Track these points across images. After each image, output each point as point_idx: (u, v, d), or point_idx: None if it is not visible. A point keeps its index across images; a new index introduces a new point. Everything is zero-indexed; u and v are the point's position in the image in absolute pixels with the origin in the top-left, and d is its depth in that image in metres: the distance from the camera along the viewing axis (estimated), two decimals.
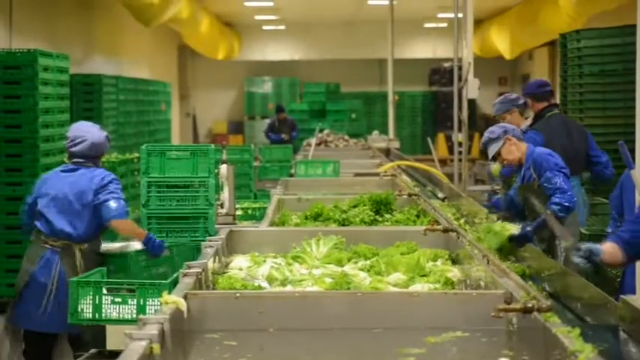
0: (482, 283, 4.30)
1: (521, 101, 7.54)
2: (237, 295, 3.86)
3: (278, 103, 20.26)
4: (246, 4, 18.53)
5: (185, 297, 3.69)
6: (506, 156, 6.09)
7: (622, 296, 3.66)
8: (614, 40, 8.64)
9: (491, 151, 6.10)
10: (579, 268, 4.19)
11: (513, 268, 4.80)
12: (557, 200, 5.72)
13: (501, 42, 19.78)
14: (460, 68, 10.08)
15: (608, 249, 4.21)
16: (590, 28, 9.41)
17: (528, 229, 5.55)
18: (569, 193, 5.76)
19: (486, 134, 6.17)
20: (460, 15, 10.33)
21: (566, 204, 5.70)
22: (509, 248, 5.39)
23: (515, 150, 6.07)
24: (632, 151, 5.04)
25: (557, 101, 8.18)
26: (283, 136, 17.82)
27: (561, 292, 4.58)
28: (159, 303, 3.64)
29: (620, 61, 8.50)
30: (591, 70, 8.80)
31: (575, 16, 14.33)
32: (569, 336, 3.17)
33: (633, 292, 5.13)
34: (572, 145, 7.17)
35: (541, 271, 4.95)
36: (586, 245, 4.18)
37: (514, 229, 5.50)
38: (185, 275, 4.09)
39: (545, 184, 5.84)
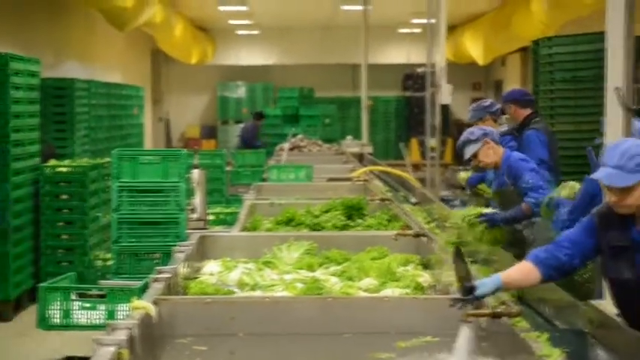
0: (452, 288, 4.31)
1: (495, 108, 7.56)
2: (208, 300, 3.86)
3: (261, 110, 20.21)
4: (221, 8, 18.50)
5: (155, 302, 3.68)
6: (483, 158, 6.10)
7: (590, 301, 3.69)
8: (586, 47, 8.71)
9: (469, 151, 6.09)
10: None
11: (482, 270, 4.83)
12: (534, 195, 5.76)
13: (474, 48, 19.88)
14: (433, 74, 10.12)
15: (514, 275, 3.65)
16: (561, 34, 9.47)
17: (497, 212, 5.66)
18: (545, 191, 5.79)
19: (465, 134, 6.17)
20: (433, 21, 10.37)
21: (542, 200, 5.73)
22: (475, 224, 5.47)
23: (493, 154, 6.08)
24: None
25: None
26: (258, 143, 17.73)
27: (530, 295, 4.60)
28: (129, 308, 3.62)
29: (591, 67, 8.56)
30: (563, 76, 8.86)
31: (548, 22, 14.41)
32: (537, 340, 3.20)
33: None
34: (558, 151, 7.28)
35: None
36: (479, 288, 3.50)
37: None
38: (155, 280, 4.07)
39: (522, 185, 5.86)
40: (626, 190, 3.44)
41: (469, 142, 6.11)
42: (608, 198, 3.53)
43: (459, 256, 3.50)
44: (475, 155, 6.10)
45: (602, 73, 4.33)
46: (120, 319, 4.12)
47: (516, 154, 6.18)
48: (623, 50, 4.06)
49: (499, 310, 3.44)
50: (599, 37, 4.52)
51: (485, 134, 6.09)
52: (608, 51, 4.23)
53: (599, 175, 3.51)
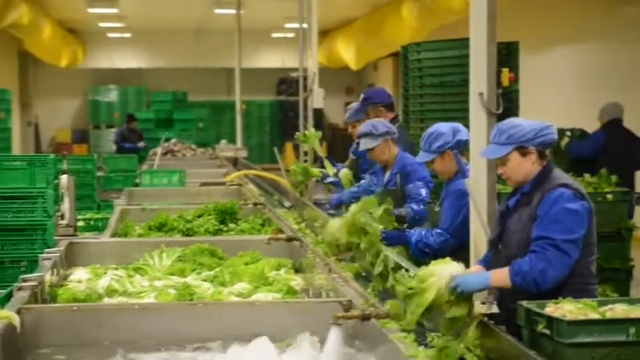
0: (323, 292, 4.35)
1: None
2: (74, 308, 3.77)
3: (130, 112, 19.89)
4: (90, 10, 18.11)
5: (19, 311, 3.58)
6: (379, 156, 6.06)
7: None
8: (453, 52, 8.87)
9: (366, 144, 6.01)
10: None
11: (348, 268, 4.90)
12: (415, 207, 5.70)
13: (347, 53, 20.11)
14: (306, 78, 10.17)
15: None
16: (429, 40, 9.65)
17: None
18: (423, 206, 5.77)
19: (369, 127, 6.09)
20: (305, 25, 10.43)
21: (418, 216, 5.69)
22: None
23: (388, 152, 6.07)
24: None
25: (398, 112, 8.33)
26: (140, 144, 17.45)
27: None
28: None
29: (458, 72, 8.72)
30: (431, 81, 9.00)
31: (417, 28, 14.71)
32: (404, 341, 3.25)
33: None
34: None
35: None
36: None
37: None
38: (20, 289, 3.96)
39: (411, 191, 5.83)
40: (502, 161, 3.82)
41: (371, 135, 6.04)
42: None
43: None
44: (371, 149, 6.04)
45: (467, 79, 4.43)
46: None
47: (411, 158, 6.11)
48: (486, 56, 4.17)
49: (368, 311, 3.49)
50: (465, 43, 4.62)
51: (388, 132, 6.06)
52: (472, 57, 4.34)
53: (483, 152, 3.94)
